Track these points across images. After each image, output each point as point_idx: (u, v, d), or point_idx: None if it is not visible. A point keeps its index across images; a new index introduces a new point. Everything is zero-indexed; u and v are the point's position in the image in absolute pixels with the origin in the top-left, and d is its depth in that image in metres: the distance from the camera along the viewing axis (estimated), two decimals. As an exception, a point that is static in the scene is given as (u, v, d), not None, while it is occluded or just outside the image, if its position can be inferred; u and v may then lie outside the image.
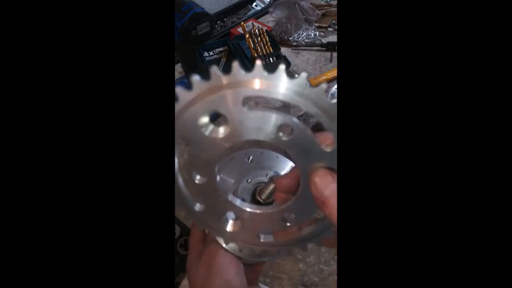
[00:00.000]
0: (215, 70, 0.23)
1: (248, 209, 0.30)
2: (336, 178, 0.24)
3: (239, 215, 0.31)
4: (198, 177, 0.28)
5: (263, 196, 0.35)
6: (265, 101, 0.99)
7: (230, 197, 0.31)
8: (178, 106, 0.24)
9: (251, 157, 0.38)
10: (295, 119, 0.24)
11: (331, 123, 0.23)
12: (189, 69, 0.82)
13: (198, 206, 0.32)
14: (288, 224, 0.29)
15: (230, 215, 0.32)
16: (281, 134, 0.24)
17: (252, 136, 0.25)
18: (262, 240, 0.32)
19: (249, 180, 0.37)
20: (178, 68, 1.04)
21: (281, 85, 0.23)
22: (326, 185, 0.24)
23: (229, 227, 0.32)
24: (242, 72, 0.23)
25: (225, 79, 0.23)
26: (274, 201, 0.35)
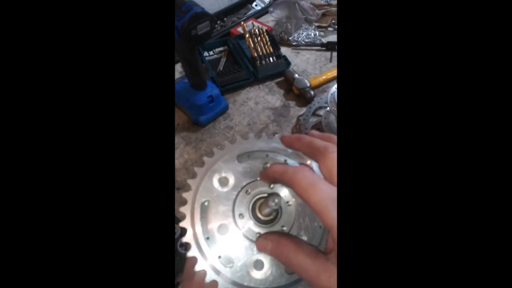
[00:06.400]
0: (216, 149, 0.36)
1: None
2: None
3: (262, 255, 0.32)
4: (221, 225, 0.33)
5: (263, 213, 0.33)
6: (265, 101, 0.99)
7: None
8: (195, 180, 0.34)
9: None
10: (271, 160, 0.35)
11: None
12: (189, 69, 0.82)
13: (228, 268, 0.32)
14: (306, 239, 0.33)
15: (256, 261, 0.32)
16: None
17: (249, 179, 0.34)
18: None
19: (248, 191, 0.34)
20: (178, 68, 1.04)
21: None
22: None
23: (259, 275, 0.32)
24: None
25: (223, 151, 0.35)
26: (276, 217, 0.33)
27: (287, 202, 0.33)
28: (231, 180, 0.34)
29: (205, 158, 0.35)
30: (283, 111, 0.96)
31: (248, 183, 0.34)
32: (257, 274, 0.32)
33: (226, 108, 0.95)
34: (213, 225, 0.33)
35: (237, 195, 0.34)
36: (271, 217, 0.33)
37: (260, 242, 0.30)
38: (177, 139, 0.89)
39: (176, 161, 0.84)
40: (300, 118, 0.93)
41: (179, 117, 0.93)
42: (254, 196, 0.34)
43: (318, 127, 0.89)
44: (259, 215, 0.33)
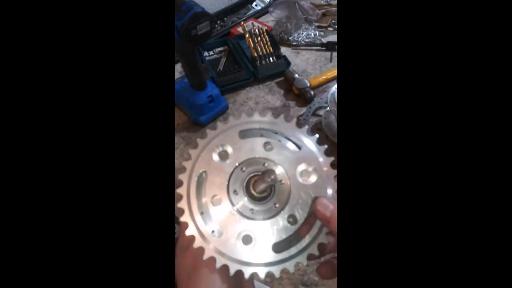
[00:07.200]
0: (220, 123, 0.36)
1: (257, 222, 0.33)
2: (332, 202, 0.32)
3: (252, 230, 0.33)
4: (215, 197, 0.34)
5: (258, 189, 0.34)
6: (265, 101, 0.99)
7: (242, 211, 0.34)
8: (196, 151, 0.35)
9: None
10: (273, 139, 0.36)
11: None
12: (189, 69, 0.82)
13: (216, 234, 0.33)
14: (293, 225, 0.34)
15: (245, 235, 0.33)
16: (266, 150, 0.35)
17: (248, 155, 0.35)
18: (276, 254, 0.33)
19: (243, 169, 0.35)
20: (178, 68, 1.04)
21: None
22: (326, 209, 0.32)
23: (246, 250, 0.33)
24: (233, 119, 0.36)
25: (225, 125, 0.36)
26: (269, 195, 0.35)
27: (280, 181, 0.35)
28: (230, 155, 0.35)
29: (208, 131, 0.36)
30: (283, 111, 0.96)
31: (247, 160, 0.35)
32: (244, 248, 0.33)
33: (226, 108, 0.95)
34: (208, 195, 0.34)
35: (233, 170, 0.35)
36: (265, 194, 0.35)
37: (324, 202, 0.32)
38: (177, 139, 0.89)
39: (176, 161, 0.84)
40: (300, 118, 0.93)
41: (179, 117, 0.93)
42: (249, 174, 0.35)
43: (318, 127, 0.89)
44: (253, 192, 0.35)
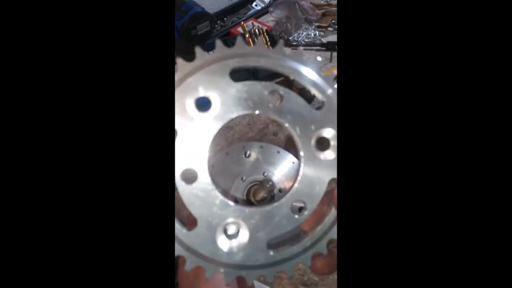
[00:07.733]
0: (199, 49, 0.22)
1: (249, 210, 0.25)
2: None
3: (241, 220, 0.25)
4: (188, 170, 0.24)
5: (258, 197, 0.31)
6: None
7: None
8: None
9: (248, 152, 0.33)
10: (283, 91, 0.24)
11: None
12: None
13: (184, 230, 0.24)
14: (297, 216, 0.26)
15: (229, 226, 0.25)
16: (272, 102, 0.24)
17: (242, 109, 0.24)
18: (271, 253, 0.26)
19: (244, 178, 0.32)
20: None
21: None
22: None
23: (229, 245, 0.25)
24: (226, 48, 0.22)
25: (210, 55, 0.23)
26: (268, 202, 0.32)
27: (280, 190, 0.32)
28: (216, 106, 0.24)
29: (179, 61, 0.24)
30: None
31: (240, 116, 0.24)
32: (227, 244, 0.24)
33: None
34: (176, 166, 0.24)
35: (219, 130, 0.23)
36: (265, 202, 0.32)
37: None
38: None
39: (176, 161, 0.84)
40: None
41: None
42: (249, 184, 0.32)
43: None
44: (253, 200, 0.32)
